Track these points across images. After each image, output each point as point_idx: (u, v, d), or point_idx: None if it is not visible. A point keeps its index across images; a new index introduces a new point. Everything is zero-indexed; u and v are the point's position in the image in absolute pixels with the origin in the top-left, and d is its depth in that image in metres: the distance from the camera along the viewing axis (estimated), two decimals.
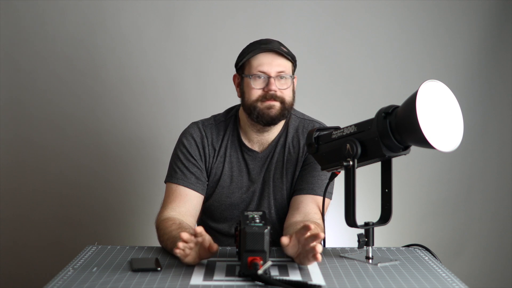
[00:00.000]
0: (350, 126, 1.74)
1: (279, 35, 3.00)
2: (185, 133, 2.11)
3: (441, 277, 1.61)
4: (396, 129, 1.63)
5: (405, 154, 1.70)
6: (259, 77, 1.98)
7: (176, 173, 2.05)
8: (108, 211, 3.06)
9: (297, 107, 2.10)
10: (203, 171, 2.07)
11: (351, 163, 1.71)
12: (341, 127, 1.79)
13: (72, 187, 3.03)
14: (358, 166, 1.72)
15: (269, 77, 1.98)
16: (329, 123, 2.06)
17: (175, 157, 2.09)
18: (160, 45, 3.02)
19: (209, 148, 2.08)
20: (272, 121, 2.00)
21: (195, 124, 2.12)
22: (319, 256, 1.57)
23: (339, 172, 1.86)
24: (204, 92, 3.04)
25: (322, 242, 2.08)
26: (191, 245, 1.63)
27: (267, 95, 1.98)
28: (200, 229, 1.62)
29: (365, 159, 1.71)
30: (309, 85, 3.08)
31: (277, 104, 1.98)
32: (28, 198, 3.03)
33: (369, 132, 1.67)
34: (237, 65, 2.08)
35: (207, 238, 1.66)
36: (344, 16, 3.09)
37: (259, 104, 1.98)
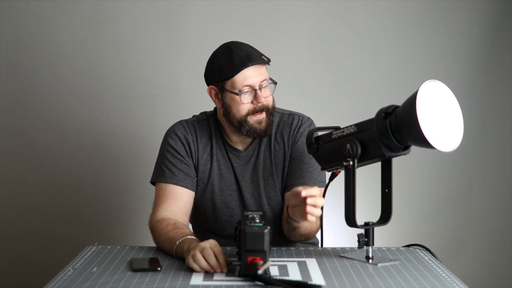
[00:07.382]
0: (350, 126, 1.74)
1: (279, 35, 3.05)
2: (169, 132, 2.09)
3: (441, 277, 1.61)
4: (396, 129, 1.63)
5: (405, 154, 1.70)
6: (247, 91, 1.94)
7: (164, 172, 2.03)
8: (108, 211, 3.06)
9: (298, 107, 2.10)
10: (191, 166, 2.04)
11: (351, 163, 1.71)
12: (341, 127, 1.79)
13: (72, 187, 3.03)
14: (358, 166, 1.72)
15: (255, 89, 1.94)
16: (329, 123, 2.05)
17: (161, 156, 2.07)
18: (160, 45, 3.02)
19: (195, 144, 2.06)
20: (265, 134, 1.99)
21: (178, 122, 2.11)
22: (310, 218, 1.68)
23: (339, 172, 1.86)
24: (204, 92, 3.01)
25: (320, 242, 2.08)
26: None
27: (257, 108, 1.95)
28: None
29: (365, 159, 1.71)
30: (309, 85, 3.09)
31: (264, 116, 1.96)
32: (27, 198, 3.02)
33: (369, 132, 1.67)
34: (213, 80, 2.00)
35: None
36: (344, 16, 3.09)
37: (249, 119, 1.96)
